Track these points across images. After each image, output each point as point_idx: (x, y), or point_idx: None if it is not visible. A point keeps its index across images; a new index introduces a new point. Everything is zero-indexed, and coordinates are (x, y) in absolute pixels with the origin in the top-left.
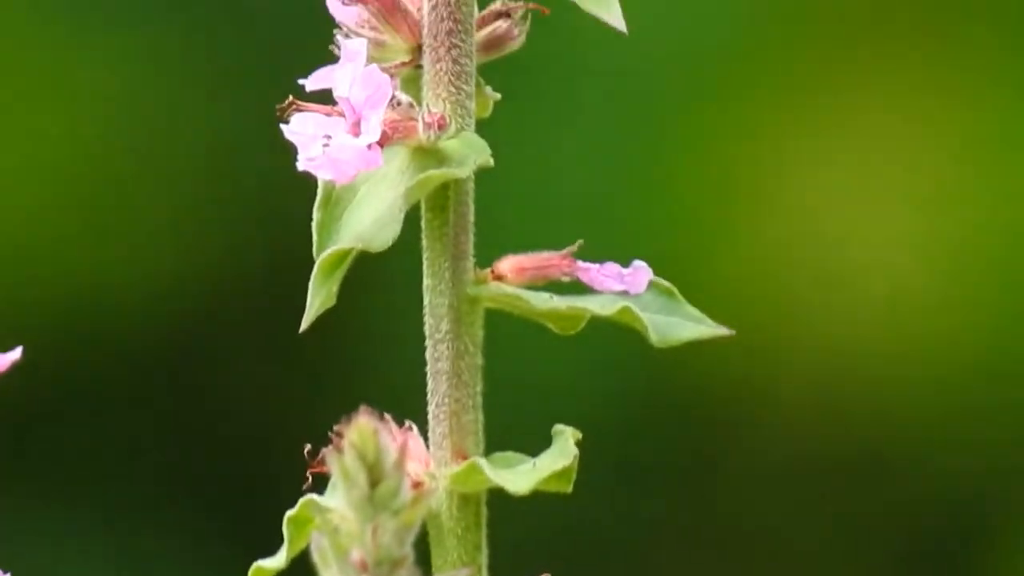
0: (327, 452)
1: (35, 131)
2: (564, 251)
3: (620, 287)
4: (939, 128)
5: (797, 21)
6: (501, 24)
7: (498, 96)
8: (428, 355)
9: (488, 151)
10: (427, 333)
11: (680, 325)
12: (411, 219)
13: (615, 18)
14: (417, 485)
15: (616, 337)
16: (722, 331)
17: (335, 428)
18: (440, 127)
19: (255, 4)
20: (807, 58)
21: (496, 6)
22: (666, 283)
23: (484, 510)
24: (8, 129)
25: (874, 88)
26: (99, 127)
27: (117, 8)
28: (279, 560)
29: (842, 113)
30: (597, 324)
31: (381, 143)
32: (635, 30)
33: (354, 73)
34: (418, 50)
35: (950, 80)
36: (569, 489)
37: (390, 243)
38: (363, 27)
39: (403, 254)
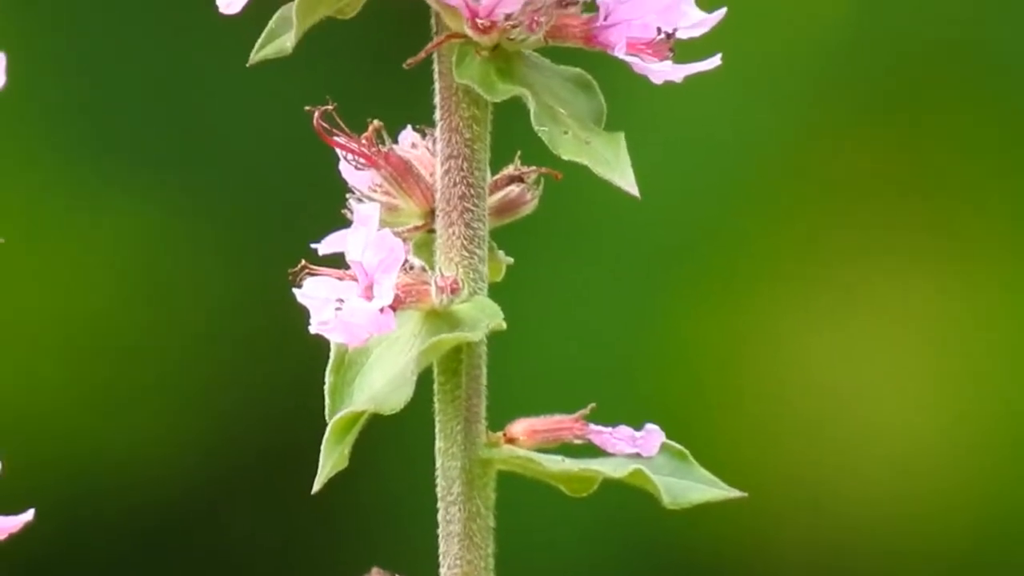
0: None
1: (45, 289)
2: (576, 414)
3: (632, 450)
4: (947, 292)
5: (807, 188)
6: (514, 188)
7: (511, 260)
8: (440, 517)
9: (500, 315)
10: (439, 495)
11: (692, 488)
12: (426, 380)
13: (628, 183)
14: None
15: (625, 497)
16: (734, 493)
17: None
18: (453, 291)
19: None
20: (813, 224)
21: (509, 170)
22: (678, 446)
23: None
24: (19, 287)
25: (880, 253)
26: (111, 287)
27: (132, 167)
28: None
29: (850, 278)
30: (607, 485)
31: (394, 307)
32: (646, 195)
33: (367, 237)
34: (431, 214)
35: (954, 244)
36: None
37: (402, 406)
38: (376, 191)
39: (420, 415)
